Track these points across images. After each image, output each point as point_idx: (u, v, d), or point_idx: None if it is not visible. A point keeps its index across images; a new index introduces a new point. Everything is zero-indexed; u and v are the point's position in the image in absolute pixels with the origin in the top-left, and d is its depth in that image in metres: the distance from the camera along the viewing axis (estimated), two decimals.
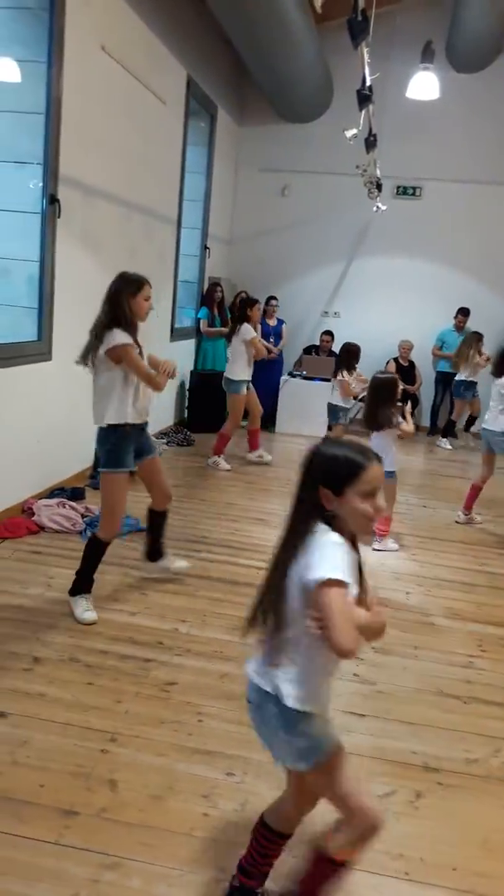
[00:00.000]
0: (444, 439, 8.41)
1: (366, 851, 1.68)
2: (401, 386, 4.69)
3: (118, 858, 1.90)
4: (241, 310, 6.25)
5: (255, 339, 6.14)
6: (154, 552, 3.64)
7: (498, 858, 2.02)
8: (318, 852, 1.65)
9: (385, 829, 2.07)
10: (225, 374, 6.27)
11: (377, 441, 4.35)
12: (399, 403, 4.41)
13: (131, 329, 3.12)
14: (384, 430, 4.37)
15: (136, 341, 3.15)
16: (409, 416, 4.44)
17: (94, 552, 3.27)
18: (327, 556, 1.41)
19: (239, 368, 6.18)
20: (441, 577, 4.17)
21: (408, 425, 4.40)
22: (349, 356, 6.36)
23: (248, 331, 6.11)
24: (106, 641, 3.04)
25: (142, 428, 3.33)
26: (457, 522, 5.27)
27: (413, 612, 3.64)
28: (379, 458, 1.48)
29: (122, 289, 3.12)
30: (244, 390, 6.27)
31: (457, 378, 8.07)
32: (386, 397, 4.40)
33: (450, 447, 8.27)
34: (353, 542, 1.50)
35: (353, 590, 1.44)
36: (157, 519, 3.62)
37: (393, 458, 4.42)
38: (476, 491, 5.26)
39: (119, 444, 3.21)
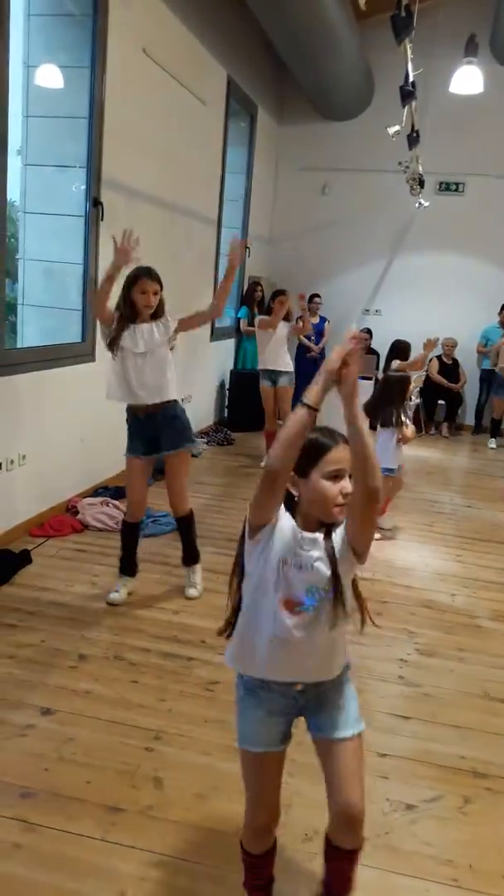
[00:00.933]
0: (493, 439, 8.25)
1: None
2: (412, 386, 4.68)
3: (164, 857, 1.91)
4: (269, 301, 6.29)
5: (263, 319, 6.13)
6: (186, 558, 3.56)
7: None
8: (329, 845, 1.66)
9: (433, 835, 2.06)
10: (283, 368, 6.21)
11: (382, 438, 4.46)
12: (411, 402, 4.46)
13: (131, 319, 3.19)
14: (387, 429, 4.47)
15: (128, 325, 3.19)
16: (407, 421, 4.50)
17: (123, 534, 3.48)
18: None
19: (260, 359, 6.22)
20: (487, 578, 4.09)
21: (409, 429, 4.46)
22: (400, 353, 6.30)
23: (282, 327, 6.09)
24: (149, 640, 3.06)
25: (154, 415, 3.27)
26: None
27: (458, 615, 3.58)
28: (346, 441, 1.45)
29: (124, 284, 3.21)
30: (265, 383, 6.26)
31: (499, 375, 7.96)
32: (393, 396, 4.45)
33: (494, 446, 8.12)
34: (324, 528, 1.49)
35: (295, 559, 1.45)
36: (178, 525, 3.56)
37: (392, 455, 4.48)
38: None
39: (128, 428, 3.35)
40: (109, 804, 2.09)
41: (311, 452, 1.46)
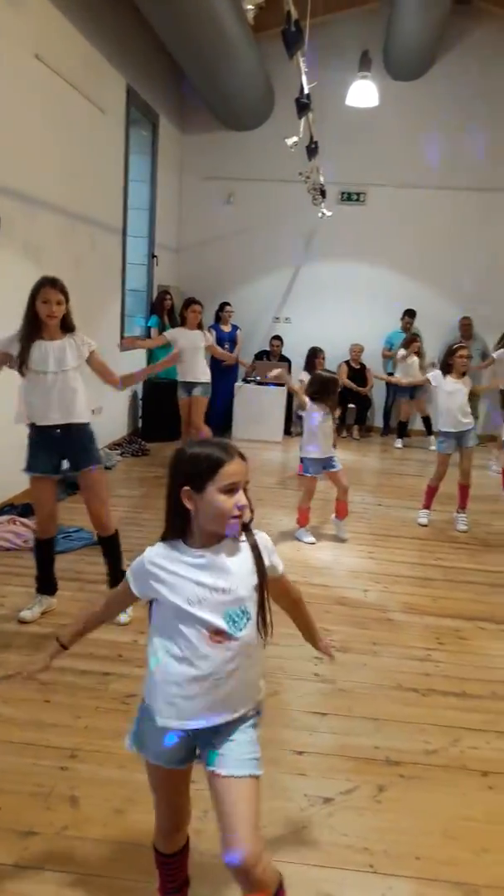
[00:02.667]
0: (399, 439, 8.54)
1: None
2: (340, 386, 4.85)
3: (80, 875, 1.87)
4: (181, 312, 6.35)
5: (211, 345, 6.22)
6: (111, 580, 3.40)
7: (459, 845, 2.05)
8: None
9: (349, 825, 2.10)
10: (200, 378, 6.24)
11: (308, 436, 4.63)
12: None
13: (37, 331, 3.12)
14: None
15: (35, 340, 3.12)
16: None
17: (37, 552, 3.40)
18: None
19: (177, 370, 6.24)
20: (397, 573, 4.22)
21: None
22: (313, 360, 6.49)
23: (197, 337, 6.14)
24: (63, 657, 2.98)
25: (60, 432, 3.18)
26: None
27: (371, 609, 3.68)
28: (241, 456, 1.49)
29: (29, 295, 3.15)
30: (183, 395, 6.29)
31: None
32: (323, 396, 4.57)
33: (400, 446, 8.40)
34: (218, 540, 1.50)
35: (176, 598, 1.47)
36: (102, 545, 3.45)
37: (309, 446, 4.68)
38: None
39: (32, 444, 3.24)
40: (23, 829, 2.02)
41: (206, 466, 1.46)
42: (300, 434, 5.28)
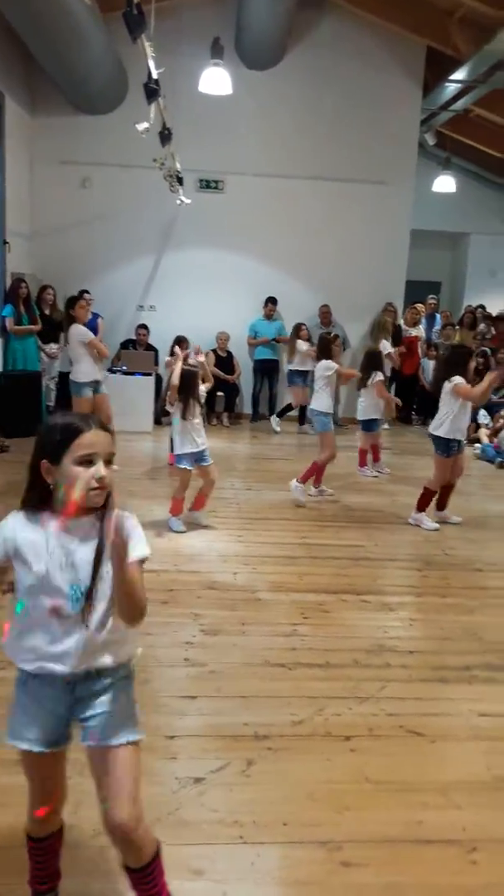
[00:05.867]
0: (278, 419, 8.72)
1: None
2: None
3: None
4: (67, 308, 6.20)
5: (92, 340, 6.09)
6: None
7: (323, 807, 2.16)
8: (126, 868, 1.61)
9: (220, 801, 2.16)
10: (70, 375, 6.24)
11: (176, 429, 4.68)
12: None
13: None
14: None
15: None
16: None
17: None
18: None
19: (82, 370, 6.14)
20: (266, 553, 4.34)
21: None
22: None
23: (82, 333, 6.02)
24: None
25: None
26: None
27: (240, 591, 3.76)
28: (105, 428, 1.48)
29: None
30: (89, 392, 6.18)
31: (288, 367, 8.54)
32: (182, 389, 4.60)
33: (278, 429, 8.58)
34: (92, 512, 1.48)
35: (37, 565, 1.46)
36: None
37: (180, 443, 4.68)
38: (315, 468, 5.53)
39: None
40: None
41: (62, 437, 1.43)
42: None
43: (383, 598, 3.77)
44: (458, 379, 4.75)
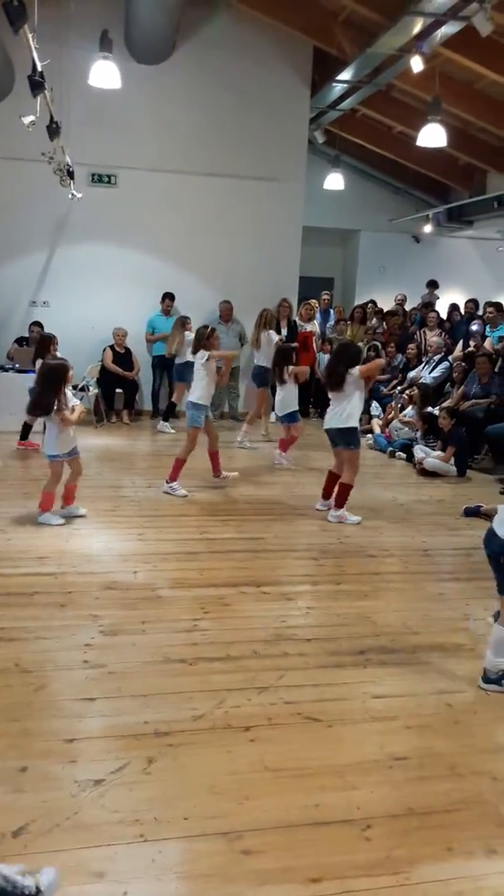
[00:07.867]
0: (166, 423, 8.52)
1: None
2: (71, 372, 4.80)
3: None
4: None
5: None
6: None
7: (224, 799, 2.20)
8: None
9: (120, 802, 2.15)
10: None
11: (48, 426, 4.71)
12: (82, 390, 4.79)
13: None
14: (48, 417, 4.64)
15: None
16: (77, 408, 4.74)
17: None
18: None
19: None
20: (166, 550, 4.34)
21: (71, 412, 4.65)
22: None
23: None
24: None
25: None
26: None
27: (140, 590, 3.74)
28: None
29: None
30: None
31: (176, 362, 8.38)
32: (51, 384, 4.60)
33: (172, 430, 8.48)
34: None
35: None
36: None
37: (55, 442, 4.69)
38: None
39: None
40: None
41: None
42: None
43: (282, 588, 3.86)
44: (355, 369, 4.95)
